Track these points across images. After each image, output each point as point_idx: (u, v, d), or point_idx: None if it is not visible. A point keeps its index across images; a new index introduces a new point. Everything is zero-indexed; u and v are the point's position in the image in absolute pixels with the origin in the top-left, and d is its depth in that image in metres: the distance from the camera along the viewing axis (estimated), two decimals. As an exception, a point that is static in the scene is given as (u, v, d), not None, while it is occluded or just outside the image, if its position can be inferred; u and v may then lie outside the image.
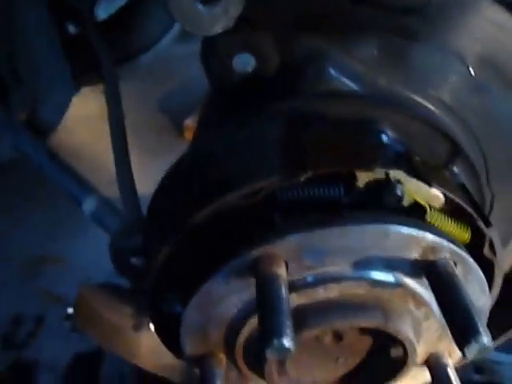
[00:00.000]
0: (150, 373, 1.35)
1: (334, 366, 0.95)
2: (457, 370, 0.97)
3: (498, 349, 1.55)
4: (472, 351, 0.73)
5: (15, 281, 2.13)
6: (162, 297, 0.92)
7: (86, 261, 2.06)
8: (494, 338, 1.13)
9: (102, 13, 1.90)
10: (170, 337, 0.96)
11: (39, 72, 1.57)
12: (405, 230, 0.80)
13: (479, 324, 0.74)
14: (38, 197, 2.30)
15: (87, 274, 1.93)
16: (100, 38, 1.64)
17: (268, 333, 0.72)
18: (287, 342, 0.71)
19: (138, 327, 1.24)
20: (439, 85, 0.99)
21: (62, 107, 1.66)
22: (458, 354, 0.97)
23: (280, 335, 0.71)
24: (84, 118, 2.71)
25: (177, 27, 1.98)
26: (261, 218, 0.85)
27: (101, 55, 1.56)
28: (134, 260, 1.15)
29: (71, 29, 1.83)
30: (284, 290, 0.76)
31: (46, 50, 1.57)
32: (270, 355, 0.72)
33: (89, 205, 1.43)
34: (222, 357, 0.94)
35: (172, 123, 2.80)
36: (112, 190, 1.37)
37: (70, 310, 1.93)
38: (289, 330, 0.72)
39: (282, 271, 0.79)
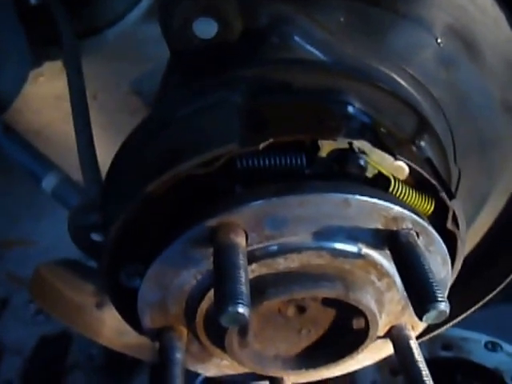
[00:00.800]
0: (117, 355, 1.34)
1: (296, 339, 0.95)
2: (423, 345, 0.97)
3: (465, 326, 1.58)
4: (430, 317, 0.74)
5: (-21, 264, 2.11)
6: (119, 270, 0.91)
7: (51, 242, 2.04)
8: (460, 313, 1.16)
9: (65, -17, 1.86)
10: (129, 311, 0.95)
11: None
12: (366, 199, 0.80)
13: (437, 291, 0.74)
14: (0, 182, 2.27)
15: (53, 256, 1.91)
16: (62, 8, 1.60)
17: (223, 300, 0.72)
18: (242, 309, 0.71)
19: (100, 305, 1.22)
20: (407, 57, 0.99)
21: (19, 81, 1.62)
22: (420, 326, 0.98)
23: (235, 302, 0.71)
24: (53, 99, 2.67)
25: (144, 4, 1.96)
26: (220, 187, 0.84)
27: (61, 27, 1.53)
28: (94, 236, 1.14)
29: (33, 0, 1.79)
30: (241, 258, 0.76)
31: (2, 21, 1.53)
32: (225, 323, 0.71)
33: (49, 182, 1.41)
34: (183, 330, 0.93)
35: (144, 105, 2.77)
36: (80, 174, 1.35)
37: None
38: (245, 297, 0.72)
39: (240, 240, 0.79)
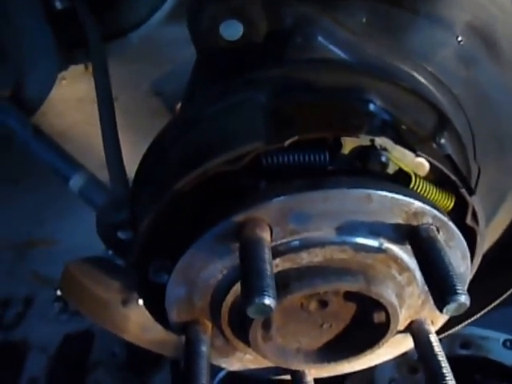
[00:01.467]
0: (140, 352, 1.37)
1: (318, 333, 0.97)
2: (442, 344, 0.99)
3: (483, 324, 1.59)
4: (450, 309, 0.76)
5: (4, 264, 2.14)
6: (148, 266, 0.94)
7: (75, 241, 2.07)
8: (479, 310, 1.17)
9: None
10: (156, 306, 0.97)
11: (24, 47, 1.57)
12: (387, 194, 0.82)
13: (457, 283, 0.76)
14: (25, 181, 2.31)
15: (77, 255, 1.94)
16: (88, 13, 1.64)
17: (250, 292, 0.74)
18: (268, 300, 0.73)
19: (126, 302, 1.25)
20: (428, 55, 1.00)
21: (47, 83, 1.65)
22: (440, 320, 0.99)
23: (261, 294, 0.73)
24: (76, 101, 2.71)
25: (166, 7, 1.99)
26: (246, 183, 0.86)
27: (88, 31, 1.56)
28: (121, 234, 1.16)
29: (58, 4, 1.82)
30: (267, 252, 0.78)
31: (31, 25, 1.57)
32: (252, 314, 0.73)
33: (76, 181, 1.43)
34: (208, 324, 0.95)
35: (165, 106, 2.80)
36: (103, 173, 1.37)
37: (59, 292, 1.94)
38: (270, 289, 0.73)
39: (265, 235, 0.81)
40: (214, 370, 1.39)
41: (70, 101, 2.62)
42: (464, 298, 0.75)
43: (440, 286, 0.78)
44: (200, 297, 0.92)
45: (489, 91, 1.02)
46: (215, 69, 0.98)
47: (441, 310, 0.76)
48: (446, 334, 1.26)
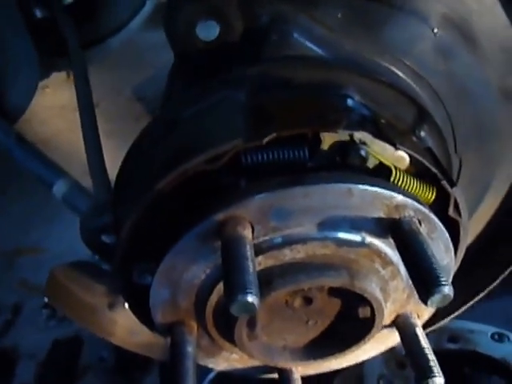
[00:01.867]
0: (128, 356, 1.35)
1: (304, 330, 0.96)
2: (429, 338, 0.98)
3: (471, 318, 1.58)
4: (434, 301, 0.75)
5: (-9, 272, 2.13)
6: (131, 268, 0.93)
7: (62, 248, 2.05)
8: (464, 303, 1.17)
9: (69, -4, 1.88)
10: (141, 309, 0.96)
11: (5, 56, 1.56)
12: (368, 188, 0.82)
13: (441, 275, 0.75)
14: (11, 189, 2.29)
15: (64, 261, 1.92)
16: (67, 20, 1.63)
17: (232, 290, 0.73)
18: (251, 298, 0.72)
19: (112, 306, 1.24)
20: (405, 49, 1.00)
21: (29, 92, 1.64)
22: (426, 314, 0.99)
23: (244, 291, 0.72)
24: (59, 109, 2.69)
25: (145, 11, 1.97)
26: (226, 182, 0.86)
27: (68, 38, 1.55)
28: (105, 238, 1.15)
29: (38, 13, 1.81)
30: (248, 250, 0.77)
31: (11, 35, 1.55)
32: (236, 312, 0.72)
33: (59, 188, 1.42)
34: (193, 325, 0.94)
35: (147, 111, 2.79)
36: (87, 180, 1.36)
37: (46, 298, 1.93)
38: (253, 287, 0.73)
39: (246, 232, 0.80)
40: (203, 371, 1.38)
41: (53, 108, 2.60)
42: (448, 289, 0.75)
43: (423, 278, 0.77)
44: (184, 297, 0.91)
45: (467, 84, 1.02)
46: (193, 70, 0.97)
47: (425, 302, 0.76)
48: (433, 328, 1.25)
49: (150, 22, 1.97)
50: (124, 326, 1.24)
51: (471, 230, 1.21)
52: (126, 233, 0.88)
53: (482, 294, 1.23)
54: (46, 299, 2.00)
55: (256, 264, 0.82)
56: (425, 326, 1.06)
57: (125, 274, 0.92)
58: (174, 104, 0.96)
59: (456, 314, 1.27)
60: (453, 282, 0.98)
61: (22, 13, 1.63)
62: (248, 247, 0.78)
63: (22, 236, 2.21)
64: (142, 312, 0.96)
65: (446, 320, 1.23)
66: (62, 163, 1.53)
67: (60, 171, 1.45)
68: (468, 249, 1.20)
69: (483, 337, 1.68)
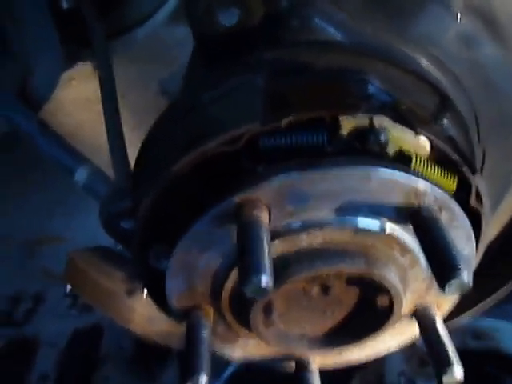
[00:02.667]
0: (148, 346, 1.35)
1: (321, 319, 0.95)
2: (454, 335, 0.96)
3: (494, 315, 1.55)
4: (453, 288, 0.73)
5: (14, 260, 2.14)
6: (148, 251, 0.92)
7: (84, 238, 2.05)
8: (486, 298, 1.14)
9: (95, -13, 1.89)
10: (158, 293, 0.96)
11: (30, 43, 1.57)
12: (387, 172, 0.80)
13: (459, 261, 0.73)
14: (34, 179, 2.30)
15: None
16: (93, 11, 1.63)
17: (247, 271, 0.72)
18: (265, 279, 0.71)
19: (131, 292, 1.23)
20: (428, 36, 0.98)
21: (53, 79, 1.65)
22: (446, 306, 0.97)
23: (258, 272, 0.71)
24: (84, 101, 2.71)
25: (170, 5, 1.98)
26: (243, 165, 0.85)
27: (92, 29, 1.56)
28: (124, 223, 1.15)
29: (64, 3, 1.82)
30: (264, 233, 0.76)
31: (37, 22, 1.56)
32: (250, 293, 0.71)
33: (81, 174, 1.42)
34: (210, 309, 0.94)
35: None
36: (112, 172, 1.36)
37: (69, 288, 1.93)
38: (268, 268, 0.72)
39: (263, 216, 0.79)
40: (219, 369, 1.37)
41: (79, 100, 2.61)
42: (466, 276, 0.73)
43: (442, 264, 0.75)
44: (200, 282, 0.90)
45: (491, 73, 1.00)
46: (212, 54, 0.96)
47: (443, 288, 0.74)
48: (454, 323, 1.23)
49: (175, 17, 1.97)
50: (142, 314, 1.23)
51: (494, 224, 1.18)
52: (143, 214, 0.87)
53: (502, 291, 1.20)
54: (67, 288, 2.01)
55: (271, 247, 0.81)
56: (445, 321, 1.04)
57: (141, 257, 0.92)
58: (193, 88, 0.95)
59: (478, 311, 1.24)
60: (474, 278, 0.97)
61: (47, 2, 1.64)
62: (264, 230, 0.77)
63: (45, 225, 2.22)
64: (160, 297, 0.95)
65: (465, 317, 1.20)
66: (88, 154, 1.53)
67: (82, 158, 1.46)
68: (490, 245, 1.18)
69: (508, 335, 1.65)
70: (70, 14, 1.83)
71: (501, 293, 1.22)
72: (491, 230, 1.18)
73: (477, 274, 0.98)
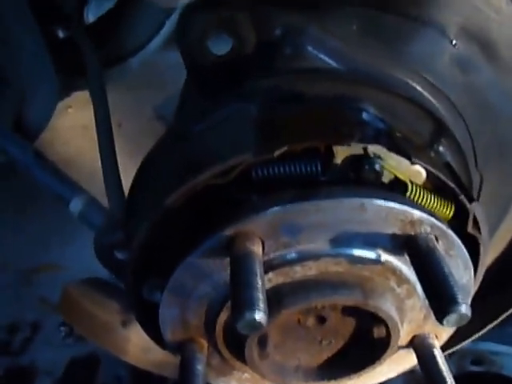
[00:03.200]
0: (144, 376, 1.33)
1: (318, 349, 0.92)
2: (452, 361, 0.94)
3: (496, 339, 1.53)
4: (451, 320, 0.71)
5: (11, 289, 2.12)
6: (142, 284, 0.90)
7: (81, 267, 2.03)
8: (485, 325, 1.12)
9: (92, 16, 1.89)
10: (152, 326, 0.93)
11: (26, 73, 1.56)
12: (382, 203, 0.78)
13: (457, 293, 0.71)
14: (31, 207, 2.29)
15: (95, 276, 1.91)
16: (87, 40, 1.63)
17: (240, 307, 0.70)
18: (259, 315, 0.69)
19: (126, 323, 1.21)
20: (422, 61, 0.97)
21: (48, 109, 1.64)
22: (444, 335, 0.94)
23: (251, 308, 0.69)
24: (81, 128, 2.70)
25: (165, 31, 1.98)
26: (237, 197, 0.83)
27: (87, 58, 1.55)
28: (118, 254, 1.13)
29: (60, 33, 1.82)
30: (258, 266, 0.74)
31: (33, 52, 1.56)
32: (243, 329, 0.69)
33: (76, 204, 1.41)
34: (204, 342, 0.91)
35: (168, 129, 2.78)
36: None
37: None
38: (261, 303, 0.69)
39: (256, 248, 0.77)
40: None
41: (76, 128, 2.61)
42: (465, 308, 0.71)
43: (439, 297, 0.73)
44: (194, 315, 0.88)
45: (488, 97, 0.98)
46: (205, 84, 0.95)
47: (441, 322, 0.72)
48: (452, 350, 1.20)
49: (170, 42, 1.97)
50: (137, 344, 1.22)
51: (493, 248, 1.17)
52: (136, 248, 0.85)
53: (504, 316, 1.18)
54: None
55: (265, 281, 0.79)
56: (444, 348, 1.02)
57: (135, 290, 0.90)
58: (186, 118, 0.94)
59: (476, 336, 1.22)
60: (473, 302, 0.95)
61: (44, 32, 1.64)
62: (257, 263, 0.75)
63: (42, 254, 2.20)
64: (154, 329, 0.93)
65: (466, 342, 1.18)
66: (85, 183, 1.52)
67: (77, 188, 1.44)
68: (490, 268, 1.16)
69: (509, 359, 1.61)
70: (66, 43, 1.83)
71: (501, 319, 1.20)
72: (489, 254, 1.16)
73: (475, 300, 0.96)
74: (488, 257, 1.09)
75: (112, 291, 1.22)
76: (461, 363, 1.56)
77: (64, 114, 2.67)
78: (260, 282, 0.72)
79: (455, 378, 0.89)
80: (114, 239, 1.12)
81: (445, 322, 0.71)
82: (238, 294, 0.71)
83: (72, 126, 2.69)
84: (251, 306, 0.69)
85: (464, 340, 1.21)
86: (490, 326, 1.20)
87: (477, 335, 1.22)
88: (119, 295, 1.21)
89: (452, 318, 0.71)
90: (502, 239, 1.15)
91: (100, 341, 1.24)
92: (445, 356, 0.93)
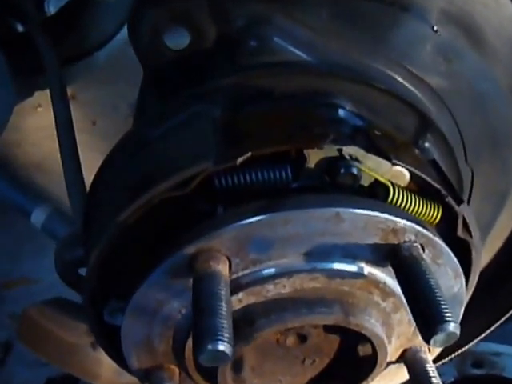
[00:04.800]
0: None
1: (300, 369, 0.89)
2: (452, 363, 0.91)
3: (496, 339, 1.50)
4: (438, 340, 0.67)
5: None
6: (102, 306, 0.86)
7: (54, 279, 1.99)
8: (485, 328, 1.09)
9: (53, 7, 1.84)
10: (117, 351, 0.89)
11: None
12: (359, 211, 0.74)
13: (445, 310, 0.68)
14: (-1, 219, 2.25)
15: (57, 292, 1.87)
16: (43, 35, 1.57)
17: (201, 337, 0.65)
18: (223, 346, 0.65)
19: (96, 345, 1.17)
20: (402, 50, 0.93)
21: (4, 112, 1.59)
22: (437, 348, 0.91)
23: (214, 339, 0.65)
24: (51, 128, 2.65)
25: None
26: (201, 210, 0.79)
27: (44, 54, 1.50)
28: (82, 271, 1.09)
29: (19, 27, 1.77)
30: (222, 288, 0.70)
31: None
32: (205, 362, 0.65)
33: (38, 216, 1.37)
34: (174, 369, 0.88)
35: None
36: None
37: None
38: (225, 333, 0.65)
39: (221, 267, 0.73)
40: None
41: (46, 129, 2.55)
42: (453, 327, 0.67)
43: (425, 314, 0.70)
44: (160, 340, 0.84)
45: (474, 85, 0.95)
46: (162, 83, 0.90)
47: (427, 342, 0.68)
48: (454, 355, 1.18)
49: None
50: (110, 366, 1.18)
51: (490, 246, 1.14)
52: (92, 268, 0.81)
53: (504, 318, 1.15)
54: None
55: (236, 301, 0.75)
56: (445, 353, 0.98)
57: (95, 312, 0.86)
58: (143, 122, 0.90)
59: (478, 338, 1.19)
60: (471, 305, 0.91)
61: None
62: (222, 285, 0.71)
63: (13, 267, 2.16)
64: (119, 355, 0.89)
65: (463, 349, 1.15)
66: (55, 186, 1.48)
67: (38, 198, 1.41)
68: (487, 266, 1.13)
69: (510, 360, 1.59)
70: (24, 38, 1.78)
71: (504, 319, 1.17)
72: (485, 254, 1.13)
73: (473, 302, 0.93)
74: (483, 258, 1.06)
75: (78, 311, 1.18)
76: (461, 367, 1.53)
77: (32, 114, 2.62)
78: (225, 307, 0.68)
79: (456, 382, 0.86)
80: (75, 256, 1.09)
81: (432, 342, 0.68)
82: (200, 321, 0.67)
83: (42, 127, 2.65)
84: (214, 335, 0.65)
85: (463, 346, 1.18)
86: (493, 328, 1.17)
87: (477, 339, 1.19)
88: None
89: (439, 337, 0.68)
90: (498, 237, 1.11)
91: (67, 366, 1.20)
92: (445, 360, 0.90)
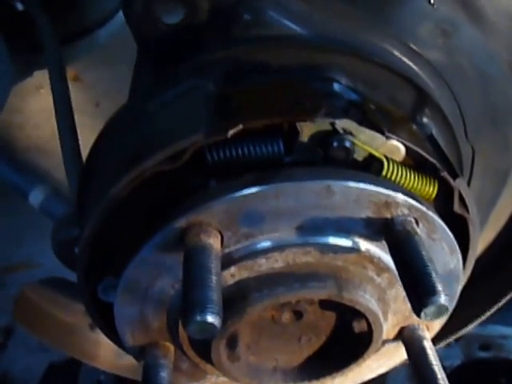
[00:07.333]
0: (127, 380, 1.32)
1: (296, 347, 0.90)
2: (458, 347, 0.92)
3: (504, 322, 1.51)
4: (429, 313, 0.69)
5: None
6: (96, 283, 0.88)
7: (56, 263, 2.02)
8: (488, 309, 1.10)
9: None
10: (113, 330, 0.91)
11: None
12: (350, 184, 0.75)
13: (436, 282, 0.69)
14: (1, 203, 2.27)
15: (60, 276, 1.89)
16: (43, 14, 1.59)
17: (190, 308, 0.67)
18: (211, 317, 0.66)
19: (94, 326, 1.19)
20: (398, 23, 0.93)
21: (2, 91, 1.61)
22: (436, 326, 0.92)
23: (203, 310, 0.66)
24: (53, 111, 2.67)
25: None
26: (192, 184, 0.80)
27: (43, 33, 1.52)
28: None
29: (19, 5, 1.78)
30: (213, 261, 0.72)
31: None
32: (194, 333, 0.67)
33: (36, 196, 1.39)
34: (169, 346, 0.89)
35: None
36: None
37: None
38: (215, 305, 0.67)
39: (212, 241, 0.75)
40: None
41: (49, 110, 2.57)
42: (443, 299, 0.69)
43: (416, 287, 0.71)
44: (154, 316, 0.86)
45: (472, 58, 0.95)
46: (157, 58, 0.92)
47: (418, 315, 0.70)
48: (454, 337, 1.19)
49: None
50: (109, 348, 1.20)
51: (492, 225, 1.14)
52: (84, 244, 0.83)
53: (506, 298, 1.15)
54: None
55: (228, 276, 0.77)
56: (444, 336, 0.99)
57: (89, 290, 0.88)
58: (138, 96, 0.91)
59: (479, 320, 1.20)
60: (473, 285, 0.92)
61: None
62: (213, 258, 0.72)
63: (15, 251, 2.18)
64: (115, 334, 0.91)
65: (466, 330, 1.16)
66: (57, 169, 1.50)
67: (36, 178, 1.43)
68: (490, 246, 1.14)
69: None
70: (23, 16, 1.79)
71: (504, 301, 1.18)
72: (488, 232, 1.14)
73: (476, 281, 0.94)
74: (487, 235, 1.07)
75: (76, 291, 1.20)
76: (468, 350, 1.54)
77: (35, 96, 2.64)
78: (214, 280, 0.70)
79: (463, 366, 0.87)
80: (72, 234, 1.11)
81: (422, 316, 0.69)
82: (189, 293, 0.69)
83: (44, 109, 2.67)
84: (203, 307, 0.67)
85: (465, 326, 1.18)
86: (495, 308, 1.18)
87: (480, 319, 1.20)
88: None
89: (430, 310, 0.69)
90: (500, 215, 1.12)
91: (65, 347, 1.22)
92: (450, 342, 0.91)
